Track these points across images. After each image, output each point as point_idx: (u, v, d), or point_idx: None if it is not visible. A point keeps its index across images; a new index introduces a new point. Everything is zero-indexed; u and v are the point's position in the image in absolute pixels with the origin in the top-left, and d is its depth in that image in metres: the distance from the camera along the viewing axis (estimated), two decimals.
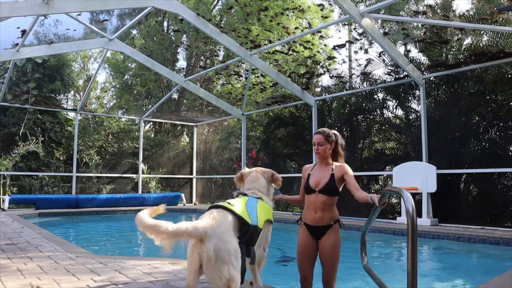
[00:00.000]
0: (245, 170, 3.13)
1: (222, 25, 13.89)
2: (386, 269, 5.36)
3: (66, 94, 19.25)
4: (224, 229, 2.34)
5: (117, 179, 16.34)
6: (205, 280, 3.28)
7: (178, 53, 18.78)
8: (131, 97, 21.03)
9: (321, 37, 12.40)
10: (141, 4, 8.74)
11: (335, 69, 12.29)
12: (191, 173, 15.89)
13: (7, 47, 9.66)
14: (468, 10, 8.25)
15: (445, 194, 8.42)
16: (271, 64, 10.95)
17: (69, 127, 16.44)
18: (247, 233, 2.49)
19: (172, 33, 18.76)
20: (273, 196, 3.10)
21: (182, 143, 18.45)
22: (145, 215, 2.30)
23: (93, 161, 15.77)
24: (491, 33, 8.02)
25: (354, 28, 11.45)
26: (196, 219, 2.55)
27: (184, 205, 14.03)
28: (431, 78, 9.39)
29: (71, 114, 16.73)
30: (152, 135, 19.21)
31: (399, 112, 10.69)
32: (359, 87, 10.71)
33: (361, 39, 11.04)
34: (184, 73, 16.95)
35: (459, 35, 8.76)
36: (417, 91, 9.62)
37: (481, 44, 8.46)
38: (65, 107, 18.26)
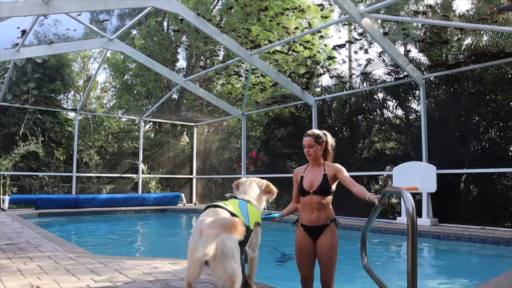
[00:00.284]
0: (242, 179, 3.25)
1: (222, 25, 13.90)
2: (386, 269, 5.36)
3: (66, 94, 19.25)
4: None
5: (117, 179, 16.35)
6: (205, 280, 3.29)
7: (178, 53, 18.79)
8: (131, 97, 21.03)
9: (321, 37, 12.40)
10: (141, 4, 8.74)
11: (335, 69, 12.28)
12: (191, 173, 15.90)
13: (7, 47, 9.66)
14: (468, 10, 8.24)
15: (445, 194, 8.42)
16: (271, 64, 10.95)
17: (69, 127, 16.44)
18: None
19: (172, 33, 18.76)
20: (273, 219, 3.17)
21: (182, 143, 18.45)
22: None
23: (93, 161, 15.77)
24: (491, 33, 8.02)
25: (354, 28, 11.44)
26: (196, 219, 2.57)
27: (184, 205, 14.03)
28: (431, 78, 9.38)
29: (71, 114, 16.74)
30: (152, 135, 19.21)
31: (399, 112, 10.70)
32: (359, 87, 10.71)
33: (361, 39, 11.03)
34: (184, 73, 16.95)
35: (459, 35, 8.76)
36: (417, 91, 9.62)
37: (481, 44, 8.46)
38: (65, 107, 18.26)
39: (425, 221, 7.71)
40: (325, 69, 11.96)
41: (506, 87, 8.47)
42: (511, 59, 7.58)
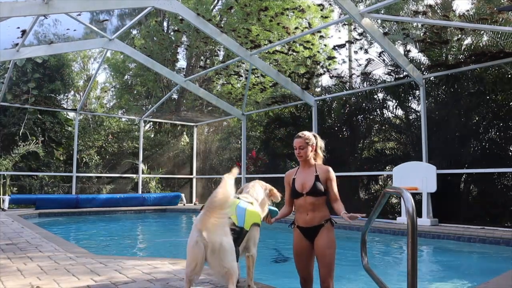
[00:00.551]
0: (246, 184, 3.38)
1: (222, 25, 13.89)
2: (386, 269, 5.36)
3: (66, 94, 19.25)
4: (224, 224, 2.57)
5: (117, 179, 16.35)
6: (204, 280, 3.29)
7: (178, 53, 18.78)
8: (131, 97, 21.03)
9: (321, 37, 12.38)
10: (141, 4, 8.74)
11: (335, 69, 12.28)
12: (191, 173, 15.90)
13: (7, 47, 9.66)
14: (468, 10, 8.24)
15: (445, 194, 8.41)
16: (271, 64, 10.94)
17: (69, 127, 16.44)
18: (233, 233, 2.70)
19: (172, 33, 18.75)
20: (268, 218, 3.26)
21: (182, 143, 18.45)
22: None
23: (93, 161, 15.77)
24: (491, 33, 8.02)
25: (354, 28, 11.44)
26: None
27: (184, 205, 14.03)
28: (431, 78, 9.38)
29: (71, 114, 16.74)
30: (152, 135, 19.21)
31: (399, 112, 10.70)
32: (359, 87, 10.71)
33: (361, 39, 11.03)
34: (184, 73, 16.96)
35: (459, 35, 8.76)
36: (417, 91, 9.62)
37: (481, 44, 8.46)
38: (65, 107, 18.26)
39: (425, 221, 7.71)
40: (325, 69, 11.95)
41: (506, 87, 8.47)
42: (511, 59, 7.58)
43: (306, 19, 16.16)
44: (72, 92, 21.94)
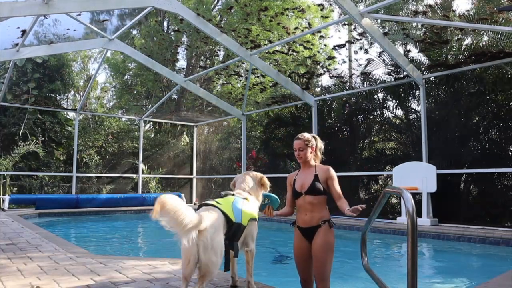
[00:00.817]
0: (236, 176, 3.44)
1: (222, 25, 13.90)
2: (386, 269, 5.36)
3: (66, 94, 19.23)
4: (217, 224, 2.67)
5: (117, 179, 16.34)
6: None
7: (178, 53, 18.79)
8: (131, 97, 21.03)
9: (321, 37, 12.39)
10: (141, 4, 8.74)
11: (335, 69, 12.28)
12: (191, 173, 15.90)
13: (7, 47, 9.66)
14: (468, 10, 8.25)
15: (445, 194, 8.41)
16: (271, 64, 10.94)
17: (69, 127, 16.44)
18: (231, 229, 2.78)
19: (172, 33, 18.76)
20: (269, 210, 3.23)
21: (182, 143, 18.45)
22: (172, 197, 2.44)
23: (93, 161, 15.77)
24: (491, 33, 8.02)
25: (354, 28, 11.44)
26: None
27: None
28: (431, 78, 9.38)
29: (71, 114, 16.74)
30: (152, 135, 19.20)
31: (399, 112, 10.69)
32: (359, 87, 10.71)
33: (361, 39, 11.02)
34: (184, 73, 16.95)
35: (459, 35, 8.76)
36: (417, 91, 9.62)
37: (481, 44, 8.45)
38: (65, 107, 18.26)
39: (425, 221, 7.71)
40: (325, 69, 11.95)
41: (506, 87, 8.47)
42: (511, 59, 7.58)
43: (306, 19, 16.17)
44: (72, 92, 21.93)
